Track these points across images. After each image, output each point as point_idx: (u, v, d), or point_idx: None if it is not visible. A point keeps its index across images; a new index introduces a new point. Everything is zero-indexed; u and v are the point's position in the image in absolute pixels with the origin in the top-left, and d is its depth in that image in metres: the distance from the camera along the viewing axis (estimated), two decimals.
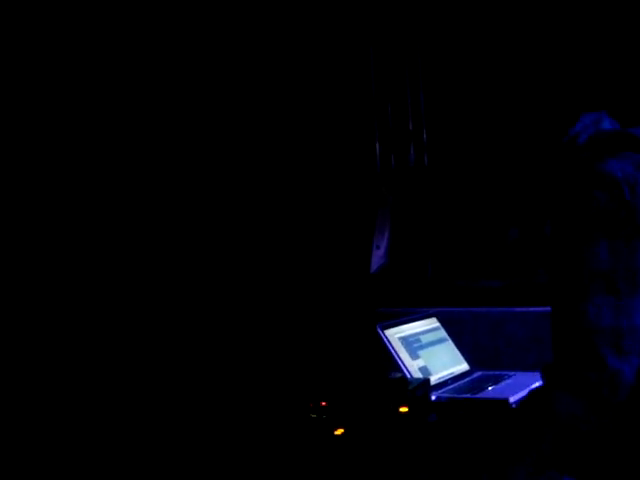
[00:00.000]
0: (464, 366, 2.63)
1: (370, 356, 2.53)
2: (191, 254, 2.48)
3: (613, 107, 1.73)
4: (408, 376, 2.34)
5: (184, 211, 2.47)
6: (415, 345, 2.50)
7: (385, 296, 2.95)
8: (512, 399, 2.20)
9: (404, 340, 2.47)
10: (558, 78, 1.76)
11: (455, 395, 2.34)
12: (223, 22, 2.60)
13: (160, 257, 2.38)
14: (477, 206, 2.89)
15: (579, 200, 1.55)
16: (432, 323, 2.69)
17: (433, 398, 2.28)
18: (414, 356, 2.45)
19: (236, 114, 2.66)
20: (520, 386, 2.32)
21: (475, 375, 2.60)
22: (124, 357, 2.24)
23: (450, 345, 2.67)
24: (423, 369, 2.43)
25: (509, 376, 2.52)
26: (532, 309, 2.70)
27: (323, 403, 2.12)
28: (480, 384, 2.45)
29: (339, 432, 2.08)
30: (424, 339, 2.57)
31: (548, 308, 1.59)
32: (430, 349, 2.55)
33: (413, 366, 2.41)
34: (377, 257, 2.96)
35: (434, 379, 2.40)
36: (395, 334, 2.46)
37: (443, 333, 2.69)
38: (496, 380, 2.48)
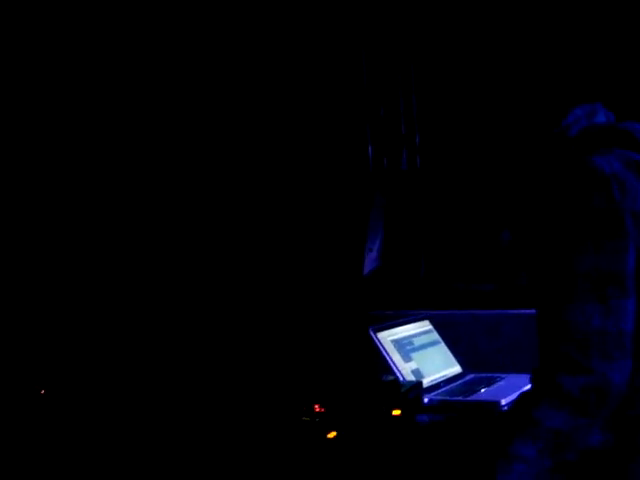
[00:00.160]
0: (457, 368, 2.63)
1: (363, 359, 2.53)
2: (187, 257, 2.48)
3: (609, 99, 1.70)
4: (401, 379, 2.34)
5: (183, 213, 2.47)
6: (408, 348, 2.50)
7: (378, 299, 2.95)
8: (504, 401, 2.20)
9: (397, 343, 2.47)
10: (552, 81, 1.76)
11: (447, 398, 2.34)
12: (215, 31, 2.60)
13: (153, 262, 2.38)
14: (470, 209, 2.89)
15: (566, 198, 1.48)
16: (425, 326, 2.69)
17: (425, 401, 2.28)
18: (407, 359, 2.45)
19: (228, 117, 2.66)
20: (512, 388, 2.32)
21: (468, 377, 2.60)
22: (115, 358, 2.24)
23: (443, 348, 2.67)
24: (416, 372, 2.43)
25: (502, 378, 2.52)
26: (525, 311, 2.69)
27: (316, 406, 2.12)
28: (472, 386, 2.45)
29: (332, 435, 2.08)
30: (417, 342, 2.57)
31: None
32: (423, 352, 2.55)
33: (406, 369, 2.41)
34: (370, 260, 2.96)
35: (426, 382, 2.40)
36: (388, 337, 2.46)
37: (436, 336, 2.69)
38: (488, 382, 2.48)
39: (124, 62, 2.29)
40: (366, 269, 2.96)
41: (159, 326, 2.34)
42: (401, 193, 3.04)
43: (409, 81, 3.03)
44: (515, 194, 1.70)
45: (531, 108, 1.71)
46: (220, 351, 2.50)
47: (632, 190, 1.48)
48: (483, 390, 2.39)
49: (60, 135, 2.15)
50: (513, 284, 2.82)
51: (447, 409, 2.22)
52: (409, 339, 2.55)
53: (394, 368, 2.38)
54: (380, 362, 2.39)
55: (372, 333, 2.42)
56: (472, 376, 2.62)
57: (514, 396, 2.22)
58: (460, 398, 2.32)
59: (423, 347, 2.58)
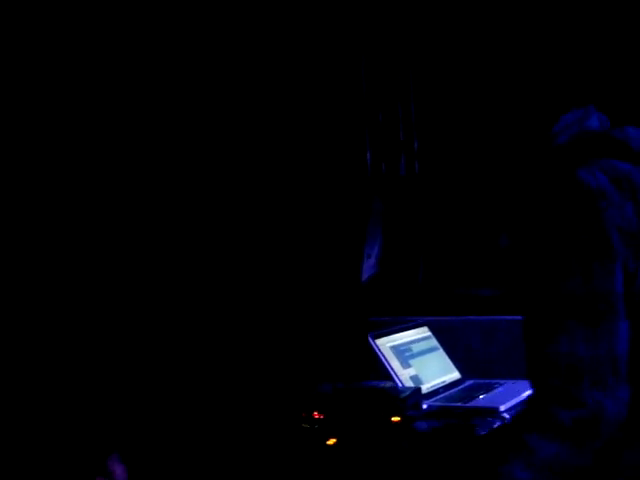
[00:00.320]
0: (455, 375, 2.63)
1: (361, 365, 2.53)
2: (185, 259, 2.48)
3: (605, 103, 1.67)
4: (399, 385, 2.34)
5: (181, 216, 2.47)
6: (406, 354, 2.50)
7: (376, 305, 2.95)
8: (503, 407, 2.20)
9: (395, 349, 2.47)
10: (550, 87, 1.76)
11: (446, 404, 2.34)
12: (215, 36, 2.61)
13: (149, 265, 2.38)
14: (468, 214, 2.89)
15: (550, 215, 1.40)
16: (423, 332, 2.69)
17: (424, 407, 2.28)
18: (405, 365, 2.45)
19: (227, 122, 2.66)
20: (511, 394, 2.32)
21: (466, 384, 2.61)
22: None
23: (441, 354, 2.67)
24: (414, 378, 2.43)
25: (500, 384, 2.52)
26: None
27: (315, 413, 2.12)
28: (471, 393, 2.45)
29: (331, 442, 2.08)
30: (415, 348, 2.57)
31: None
32: (421, 358, 2.55)
33: (404, 375, 2.41)
34: (368, 266, 2.96)
35: (425, 388, 2.40)
36: (386, 343, 2.46)
37: (434, 342, 2.69)
38: (487, 388, 2.48)
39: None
40: (364, 275, 2.96)
41: (154, 336, 2.34)
42: (399, 199, 3.04)
43: (408, 87, 3.03)
44: (512, 200, 1.68)
45: (530, 114, 1.71)
46: (219, 357, 2.49)
47: (618, 205, 1.41)
48: (482, 396, 2.39)
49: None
50: (511, 289, 2.82)
51: (446, 415, 2.22)
52: (408, 345, 2.55)
53: (393, 374, 2.38)
54: (379, 368, 2.39)
55: (371, 339, 2.42)
56: (471, 382, 2.62)
57: (513, 402, 2.25)
58: (459, 404, 2.32)
59: (422, 353, 2.58)
